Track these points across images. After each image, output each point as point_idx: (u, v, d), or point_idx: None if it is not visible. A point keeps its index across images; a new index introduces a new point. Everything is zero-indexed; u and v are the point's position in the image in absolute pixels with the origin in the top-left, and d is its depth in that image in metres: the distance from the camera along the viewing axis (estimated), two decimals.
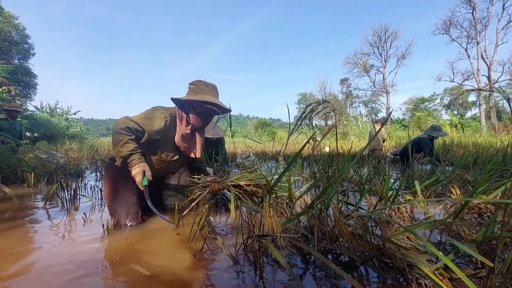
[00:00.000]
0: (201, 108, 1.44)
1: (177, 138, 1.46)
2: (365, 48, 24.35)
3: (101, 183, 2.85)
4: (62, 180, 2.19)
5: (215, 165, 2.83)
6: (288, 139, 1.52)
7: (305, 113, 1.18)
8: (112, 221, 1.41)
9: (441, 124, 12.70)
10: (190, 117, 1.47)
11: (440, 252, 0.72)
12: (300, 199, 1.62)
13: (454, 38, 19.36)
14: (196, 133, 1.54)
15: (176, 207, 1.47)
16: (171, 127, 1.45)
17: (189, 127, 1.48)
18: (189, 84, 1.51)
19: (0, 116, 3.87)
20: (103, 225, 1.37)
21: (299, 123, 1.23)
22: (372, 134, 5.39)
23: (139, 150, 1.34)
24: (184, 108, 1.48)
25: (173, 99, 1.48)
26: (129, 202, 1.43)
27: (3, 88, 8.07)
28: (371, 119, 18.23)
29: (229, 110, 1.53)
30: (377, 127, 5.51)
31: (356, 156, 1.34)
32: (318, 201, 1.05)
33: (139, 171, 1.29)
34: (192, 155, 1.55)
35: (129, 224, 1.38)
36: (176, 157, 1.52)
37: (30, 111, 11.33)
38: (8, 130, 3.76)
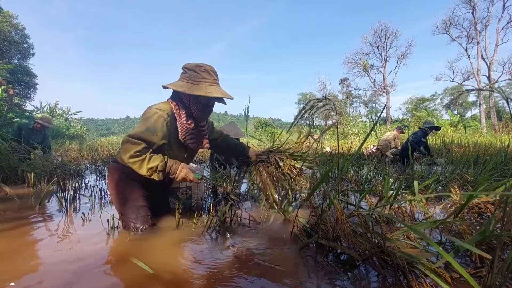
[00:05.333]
0: (207, 100, 1.36)
1: (181, 136, 1.39)
2: (365, 48, 24.36)
3: (101, 182, 2.85)
4: (60, 180, 2.19)
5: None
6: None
7: (306, 109, 1.18)
8: (121, 224, 1.40)
9: (441, 124, 12.71)
10: (193, 110, 1.38)
11: (441, 249, 0.72)
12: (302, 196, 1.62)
13: (454, 38, 19.35)
14: (200, 124, 1.47)
15: (176, 207, 1.47)
16: (172, 127, 1.36)
17: (191, 120, 1.40)
18: (186, 68, 1.35)
19: (28, 126, 4.00)
20: (107, 221, 1.38)
21: (298, 118, 1.23)
22: (384, 139, 5.35)
23: (166, 156, 1.30)
24: (183, 100, 1.38)
25: (169, 89, 1.37)
26: (137, 205, 1.38)
27: (2, 87, 8.05)
28: (371, 119, 18.21)
29: (232, 98, 1.43)
30: (395, 132, 5.47)
31: (355, 153, 1.35)
32: (316, 189, 1.08)
33: (186, 171, 1.32)
34: (201, 146, 1.51)
35: (140, 227, 1.34)
36: (184, 154, 1.50)
37: (29, 111, 11.32)
38: (27, 140, 3.73)
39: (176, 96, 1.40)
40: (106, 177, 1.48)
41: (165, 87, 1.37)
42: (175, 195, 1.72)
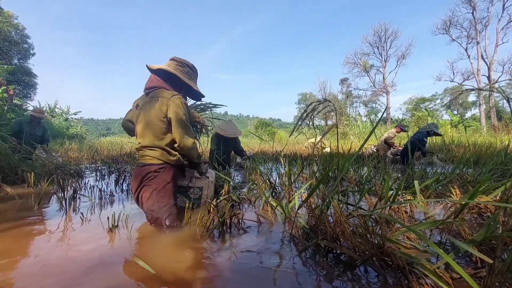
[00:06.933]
0: (189, 94, 1.75)
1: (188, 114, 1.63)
2: (365, 48, 24.32)
3: (100, 183, 2.85)
4: (60, 179, 2.19)
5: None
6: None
7: (307, 112, 1.18)
8: (157, 221, 1.43)
9: (441, 124, 12.72)
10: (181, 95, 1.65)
11: (441, 250, 0.72)
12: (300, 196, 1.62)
13: (454, 38, 19.34)
14: None
15: (187, 205, 1.50)
16: None
17: None
18: (187, 66, 1.61)
19: (27, 120, 4.09)
20: (107, 218, 1.37)
21: (300, 122, 1.23)
22: (385, 138, 5.28)
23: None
24: (176, 88, 1.59)
25: (177, 78, 1.55)
26: (170, 203, 1.45)
27: (3, 88, 8.06)
28: (371, 119, 18.21)
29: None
30: (394, 130, 5.32)
31: (355, 154, 1.34)
32: (314, 192, 1.08)
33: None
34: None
35: (173, 225, 1.40)
36: None
37: (29, 111, 11.34)
38: (29, 134, 3.96)
39: (168, 81, 1.57)
40: (136, 179, 1.50)
41: (178, 76, 1.55)
42: (186, 194, 1.73)
